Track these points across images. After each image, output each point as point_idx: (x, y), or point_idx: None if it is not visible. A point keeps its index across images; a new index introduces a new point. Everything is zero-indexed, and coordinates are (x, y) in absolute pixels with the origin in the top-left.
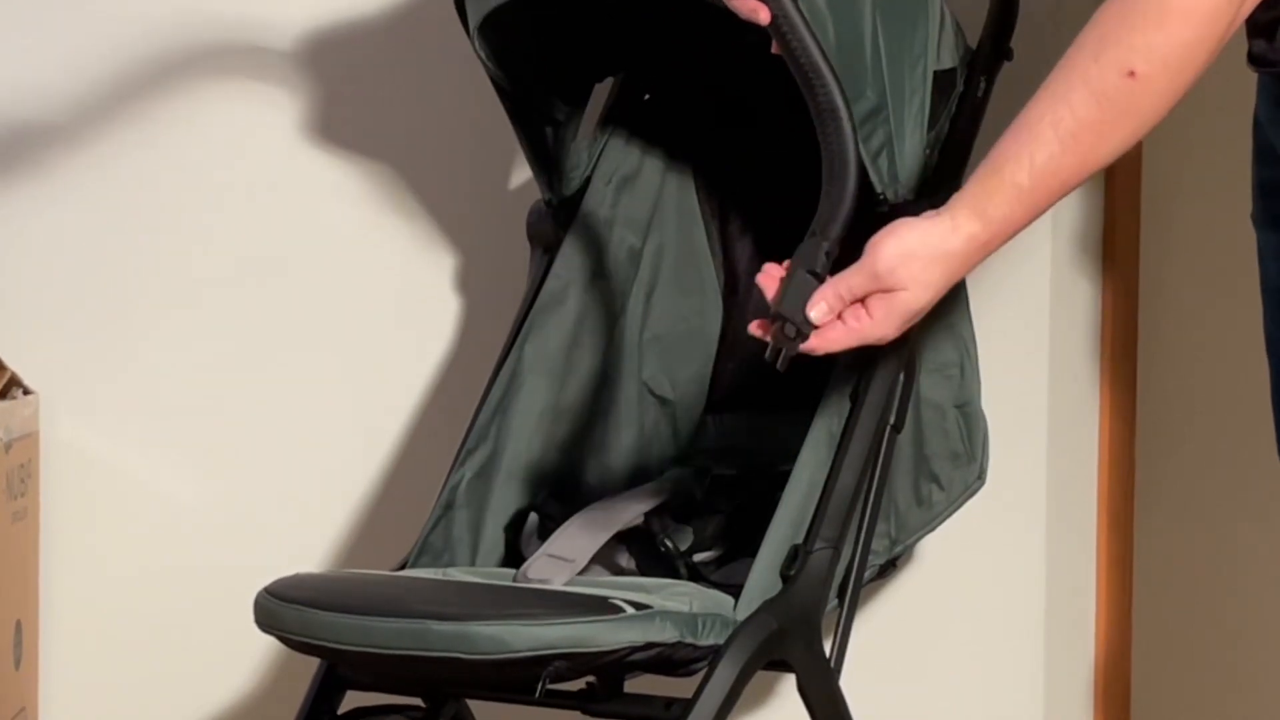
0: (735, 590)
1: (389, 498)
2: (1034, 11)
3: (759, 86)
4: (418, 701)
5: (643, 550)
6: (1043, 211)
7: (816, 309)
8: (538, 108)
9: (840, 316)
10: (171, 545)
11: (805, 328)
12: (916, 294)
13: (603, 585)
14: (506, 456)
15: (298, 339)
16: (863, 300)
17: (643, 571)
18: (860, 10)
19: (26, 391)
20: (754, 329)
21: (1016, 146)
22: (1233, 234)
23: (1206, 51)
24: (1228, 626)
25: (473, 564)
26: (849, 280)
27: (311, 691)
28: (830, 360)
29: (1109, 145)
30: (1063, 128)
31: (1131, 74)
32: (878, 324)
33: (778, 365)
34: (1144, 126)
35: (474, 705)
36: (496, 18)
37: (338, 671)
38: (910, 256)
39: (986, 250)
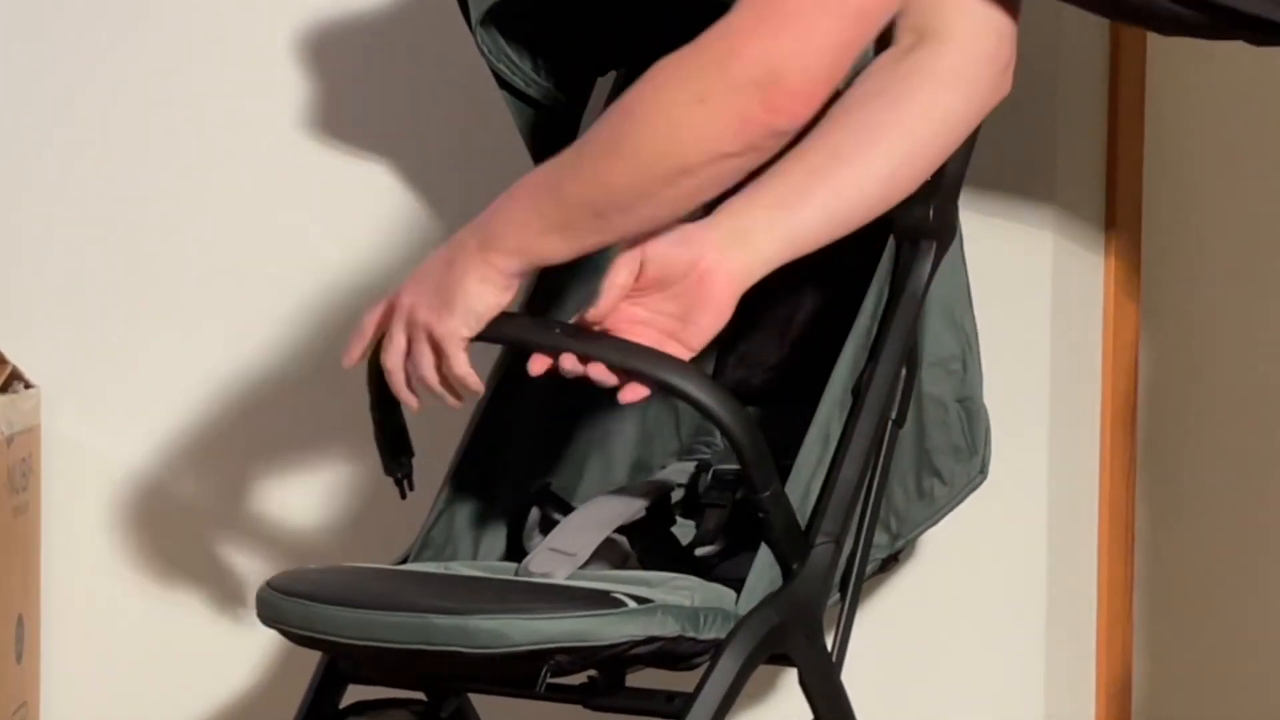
0: (737, 584)
1: (390, 492)
2: (1034, 10)
3: None
4: (419, 695)
5: (645, 544)
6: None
7: None
8: (539, 102)
9: None
10: (173, 539)
11: None
12: None
13: (604, 579)
14: (508, 451)
15: (299, 335)
16: None
17: (644, 565)
18: None
19: (28, 385)
20: None
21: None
22: (1235, 231)
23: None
24: (1230, 621)
25: (474, 558)
26: None
27: (313, 685)
28: (832, 355)
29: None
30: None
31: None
32: None
33: None
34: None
35: (476, 699)
36: (498, 12)
37: (339, 665)
38: None
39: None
